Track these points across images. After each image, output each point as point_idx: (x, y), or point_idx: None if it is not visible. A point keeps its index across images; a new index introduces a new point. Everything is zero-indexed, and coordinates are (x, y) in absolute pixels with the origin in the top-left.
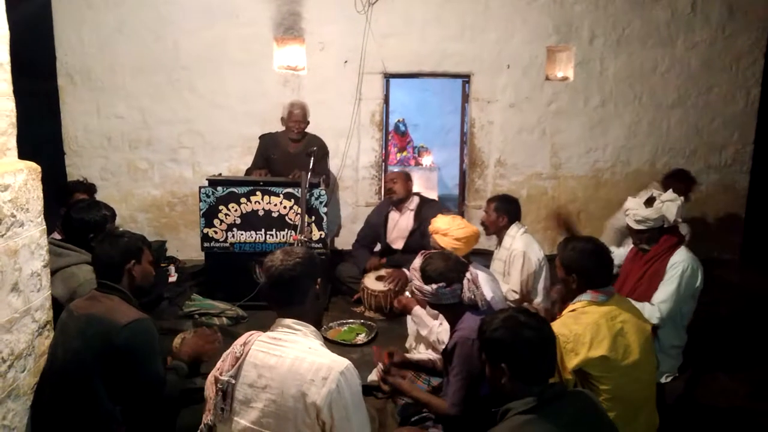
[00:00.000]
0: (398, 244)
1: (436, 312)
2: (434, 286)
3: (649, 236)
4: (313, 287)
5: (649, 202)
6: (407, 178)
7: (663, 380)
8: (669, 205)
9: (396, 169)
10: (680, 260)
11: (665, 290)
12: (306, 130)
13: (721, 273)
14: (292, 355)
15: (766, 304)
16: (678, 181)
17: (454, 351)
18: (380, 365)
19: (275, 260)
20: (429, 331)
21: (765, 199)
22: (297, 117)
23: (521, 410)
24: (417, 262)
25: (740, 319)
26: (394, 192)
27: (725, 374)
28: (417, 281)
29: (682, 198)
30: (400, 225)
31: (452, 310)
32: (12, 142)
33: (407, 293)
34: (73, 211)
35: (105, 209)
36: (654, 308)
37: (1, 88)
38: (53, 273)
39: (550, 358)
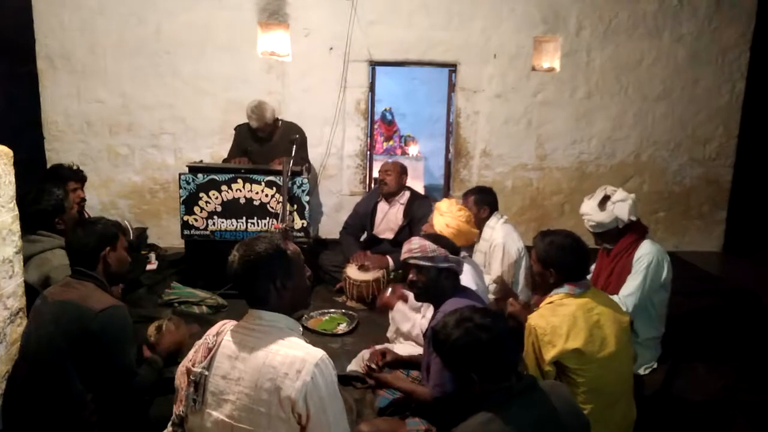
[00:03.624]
0: (386, 235)
1: (417, 305)
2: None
3: (608, 237)
4: (273, 285)
5: (603, 202)
6: (402, 171)
7: (642, 372)
8: (620, 205)
9: (389, 159)
10: (645, 253)
11: (631, 284)
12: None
13: (703, 265)
14: (265, 348)
15: (746, 297)
16: None
17: None
18: (364, 354)
19: (233, 258)
20: (412, 325)
21: (748, 193)
22: (259, 126)
23: (489, 405)
24: (414, 239)
25: (721, 311)
26: (386, 184)
27: (704, 366)
28: (427, 242)
29: (633, 196)
30: (389, 217)
31: (441, 295)
32: None
33: (388, 291)
34: (26, 205)
35: (56, 190)
36: (620, 301)
37: None
38: (26, 259)
39: (512, 351)
